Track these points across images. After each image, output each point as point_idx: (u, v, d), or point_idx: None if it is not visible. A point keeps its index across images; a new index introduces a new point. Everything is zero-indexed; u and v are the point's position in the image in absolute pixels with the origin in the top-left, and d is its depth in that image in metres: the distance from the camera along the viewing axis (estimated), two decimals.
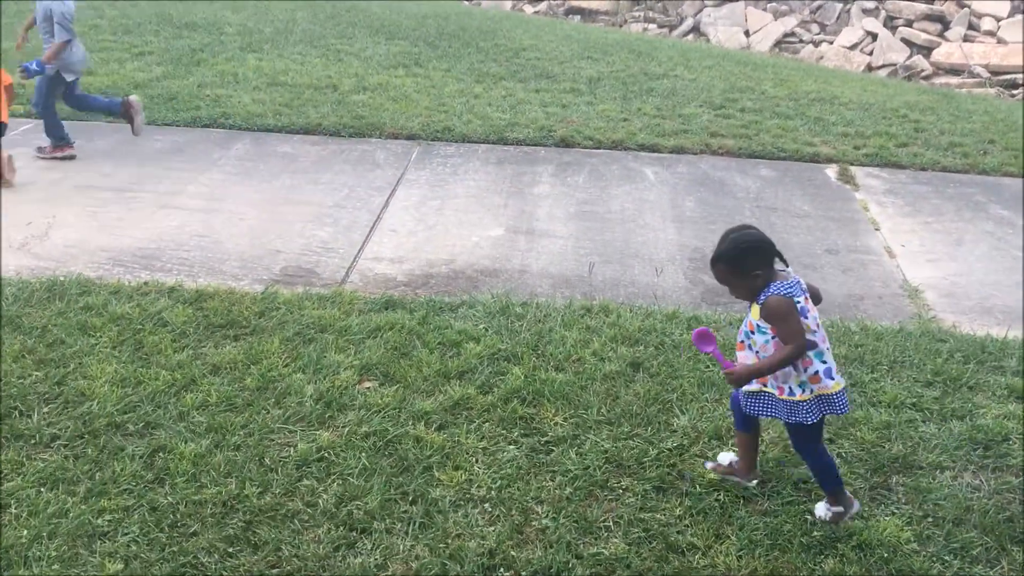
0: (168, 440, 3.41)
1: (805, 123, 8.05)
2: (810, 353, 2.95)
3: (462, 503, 3.17)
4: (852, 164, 7.15)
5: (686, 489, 3.29)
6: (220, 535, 2.96)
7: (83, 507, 3.05)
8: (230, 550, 2.91)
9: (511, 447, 3.48)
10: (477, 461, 3.39)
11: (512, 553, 2.94)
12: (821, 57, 13.36)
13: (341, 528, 3.02)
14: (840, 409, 3.03)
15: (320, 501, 3.14)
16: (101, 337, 4.08)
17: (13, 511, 3.03)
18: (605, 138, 7.42)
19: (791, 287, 2.93)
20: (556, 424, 3.63)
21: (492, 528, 3.05)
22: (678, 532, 3.09)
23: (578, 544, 3.01)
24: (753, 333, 3.01)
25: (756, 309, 2.97)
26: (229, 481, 3.22)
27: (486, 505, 3.16)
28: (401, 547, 2.95)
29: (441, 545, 2.96)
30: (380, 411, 3.66)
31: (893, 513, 3.22)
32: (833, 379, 2.98)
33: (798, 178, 6.84)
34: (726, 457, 3.40)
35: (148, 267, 4.93)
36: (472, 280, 4.99)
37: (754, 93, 9.05)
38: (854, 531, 3.09)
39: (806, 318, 2.93)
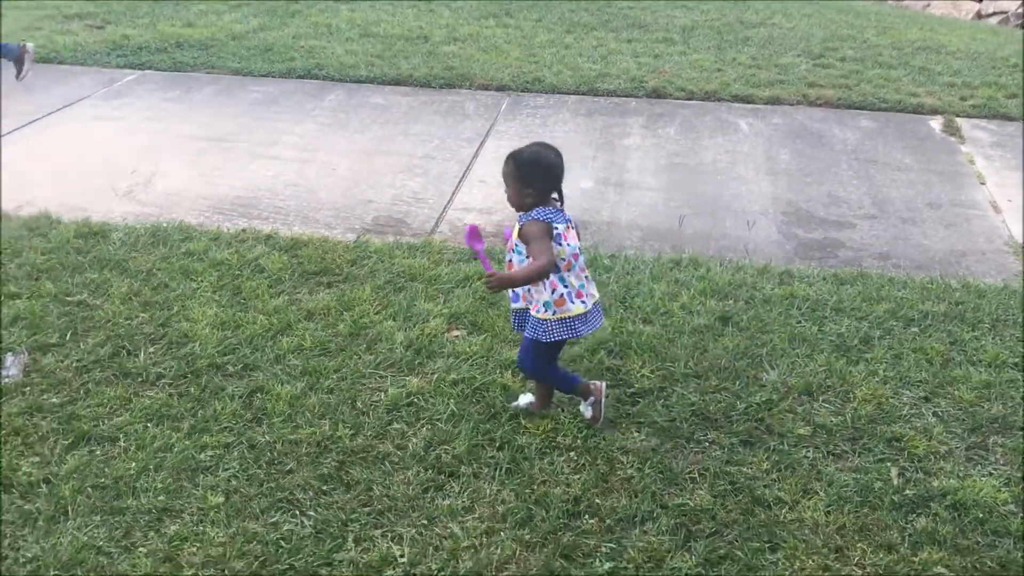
0: (265, 382, 3.54)
1: (909, 73, 7.74)
2: (556, 276, 3.08)
3: (548, 451, 3.21)
4: (958, 116, 6.85)
5: (774, 444, 3.26)
6: (315, 473, 3.07)
7: (186, 442, 3.19)
8: (324, 488, 3.01)
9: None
10: (563, 410, 3.41)
11: (597, 501, 2.97)
12: (927, 5, 12.77)
13: (430, 471, 3.10)
14: (575, 332, 3.15)
15: (410, 444, 3.22)
16: (202, 282, 4.23)
17: (122, 444, 3.19)
18: (698, 89, 7.27)
19: (554, 214, 3.08)
20: (642, 376, 3.63)
21: (577, 476, 3.08)
22: (764, 486, 3.07)
23: (663, 494, 3.02)
24: (511, 254, 3.18)
25: (517, 229, 3.12)
26: (323, 423, 3.32)
27: (571, 453, 3.20)
28: (488, 491, 3.01)
29: (527, 491, 3.01)
30: (468, 359, 3.71)
31: (990, 474, 3.14)
32: (574, 303, 3.12)
33: (900, 130, 6.59)
34: (525, 399, 3.46)
35: (245, 215, 5.07)
36: None
37: (855, 42, 8.73)
38: (948, 490, 3.03)
39: (560, 246, 3.05)
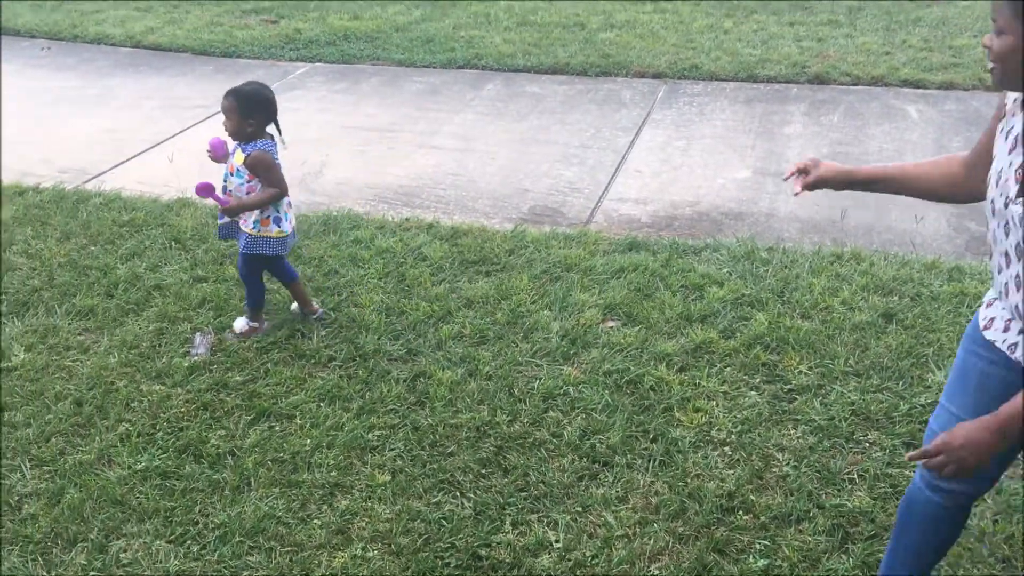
0: (428, 367, 3.70)
1: None
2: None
3: (702, 444, 3.23)
4: None
5: None
6: (474, 457, 3.20)
7: (356, 422, 3.39)
8: (483, 471, 3.14)
9: (752, 393, 3.48)
10: (717, 405, 3.42)
11: (751, 497, 2.97)
12: None
13: (584, 459, 3.18)
14: (280, 250, 3.80)
15: (565, 433, 3.31)
16: (369, 269, 4.45)
17: (298, 422, 3.42)
18: (864, 73, 7.01)
19: (272, 146, 3.71)
20: (800, 373, 3.58)
21: (731, 471, 3.09)
22: None
23: (819, 494, 2.99)
24: (232, 175, 3.69)
25: (241, 156, 3.64)
26: (481, 408, 3.46)
27: (726, 448, 3.21)
28: (641, 482, 3.06)
29: (680, 483, 3.04)
30: (622, 350, 3.76)
31: None
32: (279, 227, 3.75)
33: None
34: (240, 323, 3.96)
35: (408, 204, 5.29)
36: (716, 223, 4.96)
37: None
38: None
39: None
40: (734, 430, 3.28)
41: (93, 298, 4.21)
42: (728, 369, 3.62)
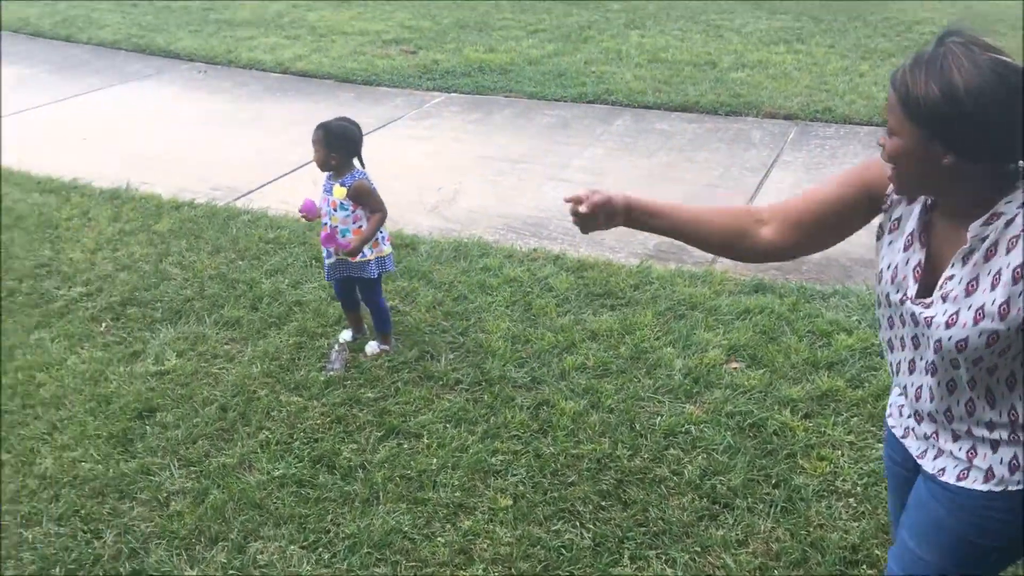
0: (551, 396, 3.79)
1: None
2: None
3: (825, 494, 3.20)
4: None
5: None
6: (594, 488, 3.26)
7: (480, 445, 3.50)
8: (603, 503, 3.20)
9: (880, 445, 3.42)
10: (843, 454, 3.38)
11: (876, 552, 2.93)
12: None
13: (704, 499, 3.19)
14: (391, 267, 4.08)
15: (685, 471, 3.34)
16: (497, 296, 4.58)
17: (425, 441, 3.55)
18: None
19: (365, 175, 3.90)
20: None
21: (856, 524, 3.05)
22: None
23: None
24: (336, 211, 3.87)
25: (340, 190, 3.82)
26: (603, 440, 3.52)
27: (851, 500, 3.17)
28: (762, 527, 3.06)
29: (802, 532, 3.02)
30: (746, 392, 3.76)
31: None
32: (386, 245, 4.00)
33: None
34: (347, 334, 4.27)
35: (536, 235, 5.41)
36: (845, 269, 4.89)
37: None
38: None
39: None
40: (859, 482, 3.24)
41: (239, 310, 4.47)
42: (855, 419, 3.57)
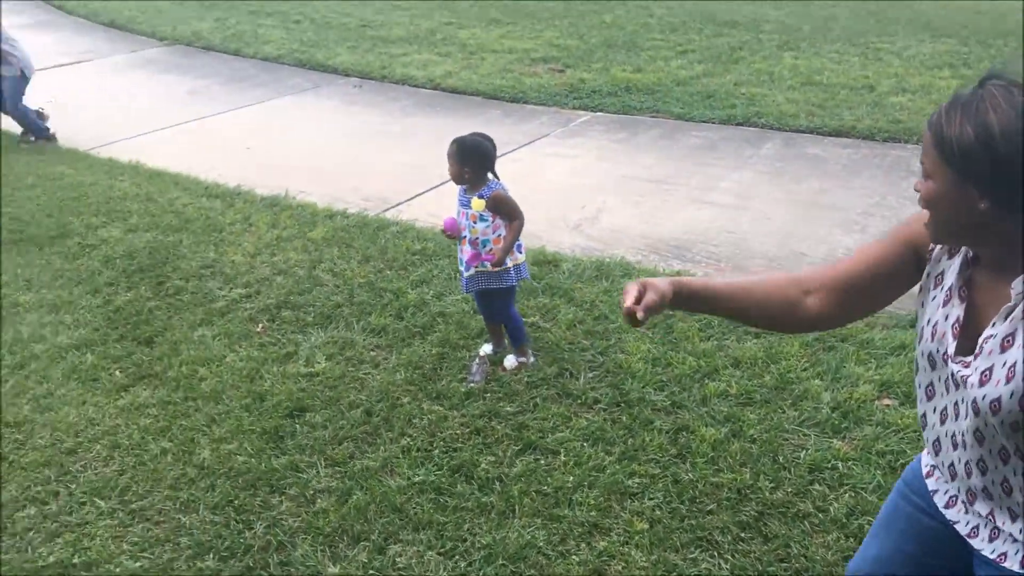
0: (691, 421, 3.73)
1: None
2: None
3: None
4: None
5: None
6: (733, 519, 3.19)
7: (617, 467, 3.48)
8: (742, 535, 3.12)
9: None
10: None
11: None
12: None
13: (851, 539, 3.07)
14: (526, 274, 4.10)
15: (831, 508, 3.22)
16: None
17: (562, 458, 3.56)
18: None
19: (501, 185, 3.96)
20: None
21: None
22: None
23: None
24: (476, 223, 3.93)
25: (479, 202, 3.89)
26: (744, 470, 3.44)
27: None
28: None
29: None
30: (899, 431, 3.61)
31: None
32: (522, 253, 4.04)
33: None
34: (488, 347, 4.30)
35: (680, 257, 5.35)
36: None
37: None
38: None
39: None
40: None
41: (385, 318, 4.61)
42: None
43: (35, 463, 3.62)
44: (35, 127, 7.72)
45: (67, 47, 11.43)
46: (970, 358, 1.64)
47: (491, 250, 3.95)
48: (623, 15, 11.90)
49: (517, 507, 3.29)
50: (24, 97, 7.58)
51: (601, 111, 8.30)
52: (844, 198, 6.09)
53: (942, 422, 1.76)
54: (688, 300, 1.89)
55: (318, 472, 3.51)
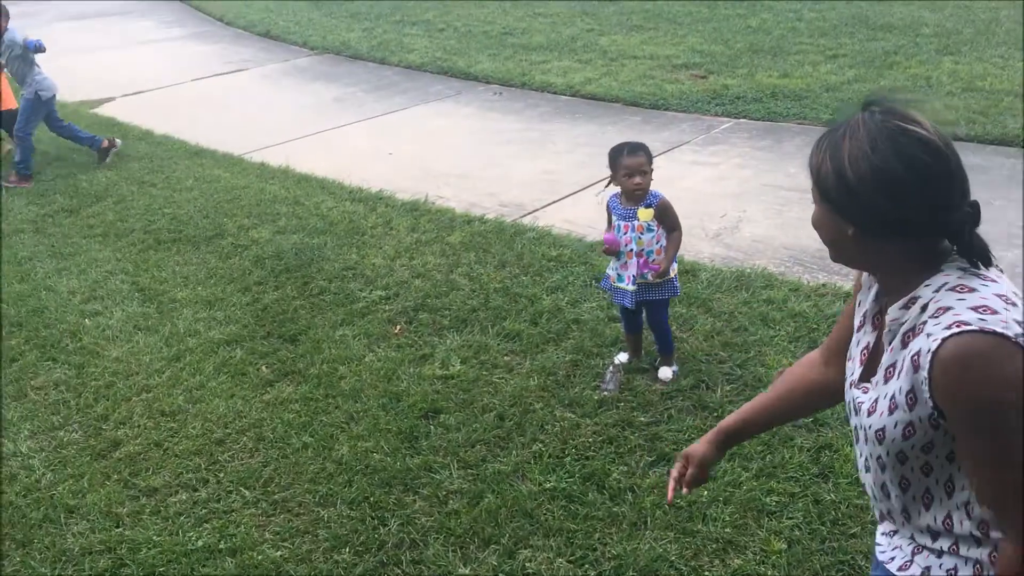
0: (834, 440, 3.58)
1: None
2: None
3: None
4: None
5: None
6: None
7: (754, 483, 3.37)
8: None
9: None
10: None
11: None
12: None
13: None
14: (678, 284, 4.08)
15: None
16: (779, 330, 4.40)
17: None
18: None
19: (661, 193, 3.93)
20: None
21: None
22: None
23: None
24: (643, 234, 3.87)
25: (647, 212, 3.84)
26: None
27: None
28: None
29: None
30: None
31: None
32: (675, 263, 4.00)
33: None
34: (623, 356, 4.23)
35: (826, 269, 5.15)
36: None
37: None
38: None
39: None
40: None
41: (520, 323, 4.62)
42: None
43: (187, 451, 3.81)
44: (24, 161, 7.41)
45: (227, 56, 12.04)
46: (869, 384, 1.66)
47: (654, 260, 3.92)
48: (770, 19, 11.59)
49: (649, 519, 3.24)
50: (37, 123, 7.47)
51: (744, 118, 8.11)
52: (1007, 210, 5.73)
53: (855, 441, 1.76)
54: (734, 440, 2.10)
55: (451, 473, 3.55)
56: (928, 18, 11.07)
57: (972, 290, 1.49)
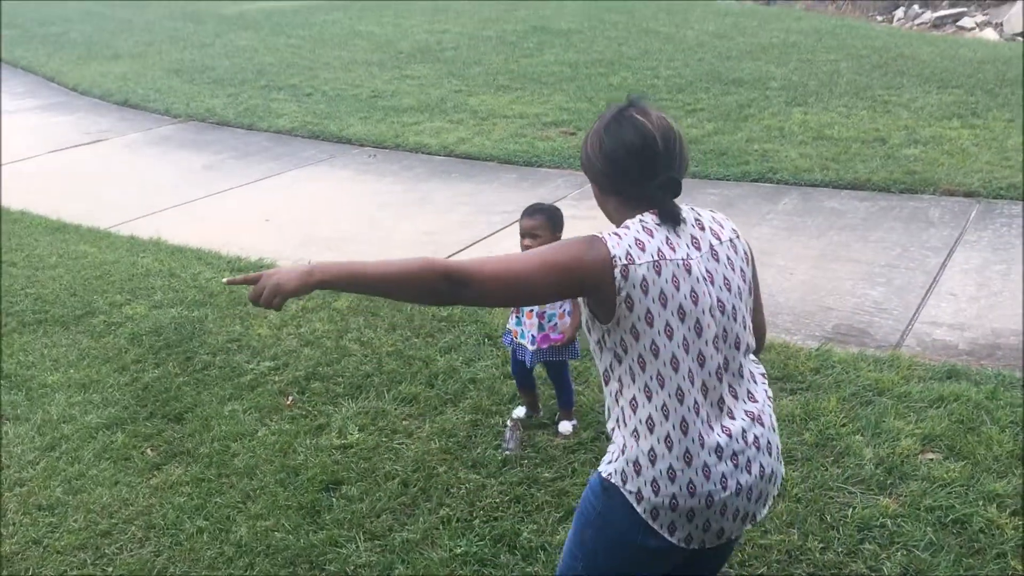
0: None
1: None
2: None
3: None
4: None
5: None
6: None
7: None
8: None
9: None
10: None
11: None
12: None
13: None
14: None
15: (884, 568, 3.15)
16: None
17: None
18: None
19: None
20: None
21: None
22: None
23: None
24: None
25: None
26: (791, 531, 3.37)
27: None
28: None
29: None
30: (946, 486, 3.54)
31: None
32: None
33: None
34: (521, 411, 4.26)
35: None
36: None
37: None
38: None
39: None
40: None
41: (416, 386, 4.58)
42: None
43: (70, 546, 3.58)
44: None
45: (85, 127, 11.60)
46: None
47: (555, 325, 3.92)
48: (629, 77, 12.04)
49: None
50: None
51: None
52: (866, 251, 6.08)
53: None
54: (332, 283, 1.99)
55: (358, 547, 3.46)
56: (775, 72, 11.75)
57: (627, 228, 2.03)
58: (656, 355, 2.01)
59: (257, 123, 11.16)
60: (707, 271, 2.06)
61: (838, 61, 12.24)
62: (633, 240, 1.99)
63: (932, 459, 3.74)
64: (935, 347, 4.76)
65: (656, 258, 1.99)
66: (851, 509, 3.47)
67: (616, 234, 2.01)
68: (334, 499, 3.75)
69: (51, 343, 5.42)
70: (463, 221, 7.15)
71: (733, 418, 2.08)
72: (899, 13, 17.91)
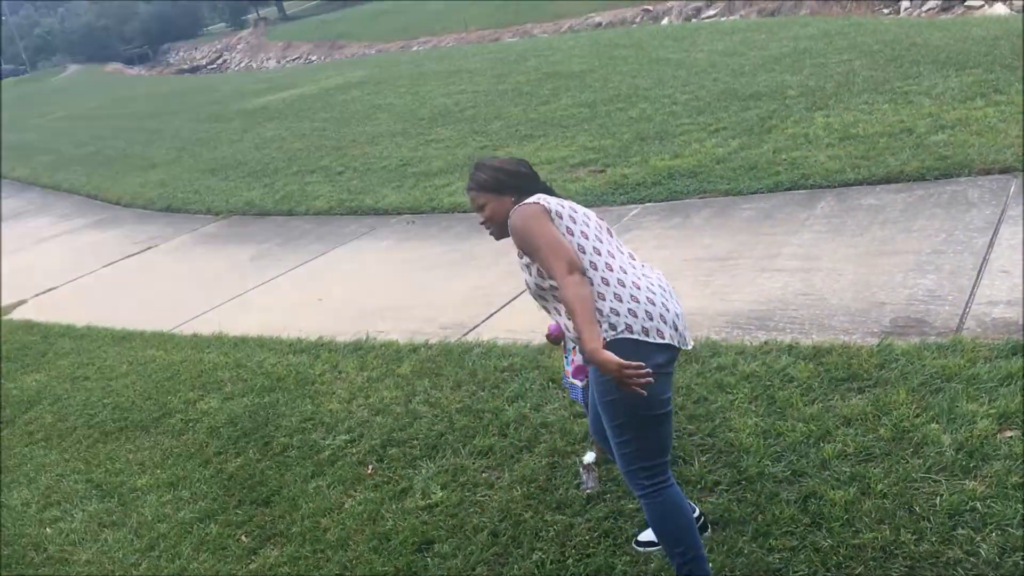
0: (816, 487, 3.70)
1: None
2: None
3: None
4: None
5: None
6: None
7: (753, 545, 3.46)
8: None
9: None
10: None
11: None
12: None
13: None
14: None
15: (981, 550, 3.16)
16: (737, 393, 4.56)
17: None
18: None
19: None
20: None
21: None
22: None
23: None
24: None
25: None
26: (883, 527, 3.39)
27: None
28: None
29: None
30: None
31: None
32: None
33: None
34: (591, 456, 4.10)
35: (763, 327, 5.38)
36: None
37: None
38: None
39: None
40: None
41: (489, 438, 4.68)
42: None
43: None
44: None
45: (133, 237, 12.03)
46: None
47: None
48: (648, 107, 12.20)
49: None
50: None
51: (649, 201, 8.47)
52: (910, 241, 6.09)
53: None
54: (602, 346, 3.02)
55: None
56: (791, 80, 11.83)
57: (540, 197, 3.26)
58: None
59: (295, 208, 11.48)
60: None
61: (852, 60, 12.29)
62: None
63: (1011, 436, 3.74)
64: (995, 326, 4.75)
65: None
66: (939, 497, 3.48)
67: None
68: (428, 559, 3.85)
69: (134, 447, 5.62)
70: (508, 271, 7.28)
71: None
72: (905, 3, 17.94)
